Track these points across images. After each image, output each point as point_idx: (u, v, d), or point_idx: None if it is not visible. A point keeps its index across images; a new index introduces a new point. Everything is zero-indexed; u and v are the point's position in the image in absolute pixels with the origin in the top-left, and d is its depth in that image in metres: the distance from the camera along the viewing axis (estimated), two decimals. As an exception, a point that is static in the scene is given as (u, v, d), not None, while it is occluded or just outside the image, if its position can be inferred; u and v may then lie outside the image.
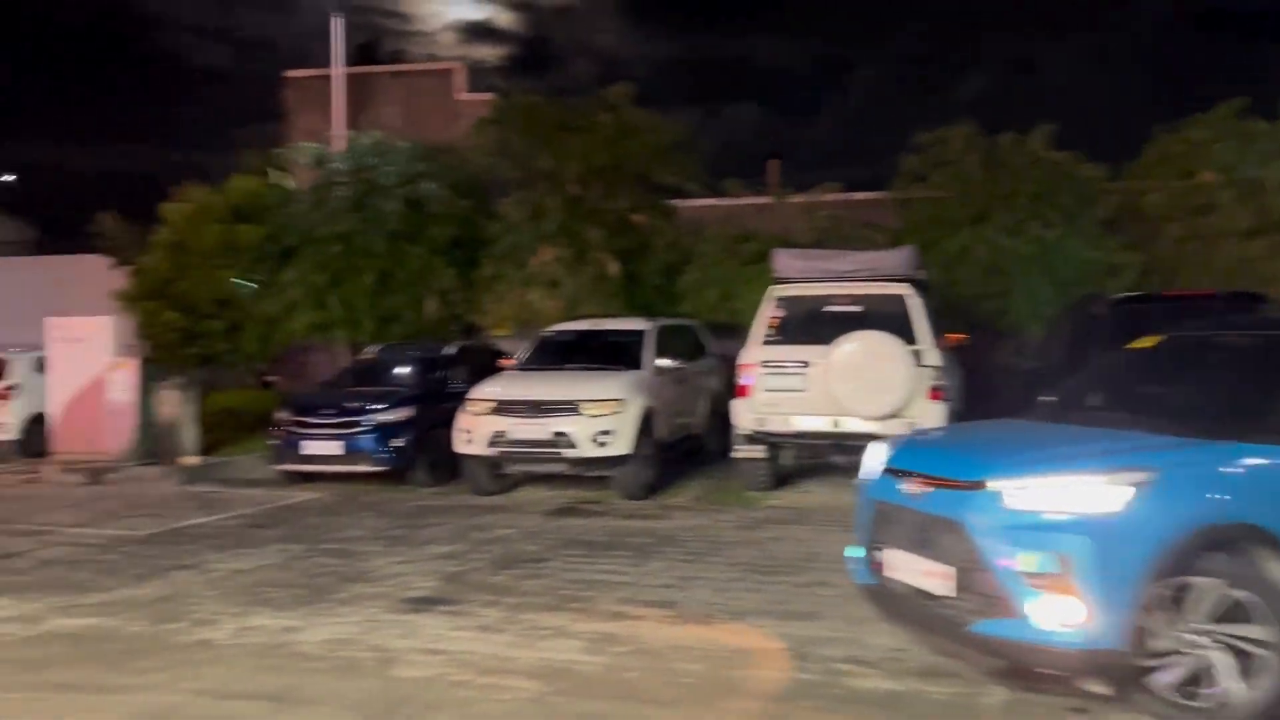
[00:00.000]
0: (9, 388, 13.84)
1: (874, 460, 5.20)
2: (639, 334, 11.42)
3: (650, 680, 4.96)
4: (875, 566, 4.98)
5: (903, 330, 9.44)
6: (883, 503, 4.95)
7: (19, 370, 13.97)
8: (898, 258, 10.46)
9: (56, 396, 13.51)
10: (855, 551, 5.19)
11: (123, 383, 12.84)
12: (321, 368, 15.99)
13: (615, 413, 10.02)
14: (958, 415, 9.48)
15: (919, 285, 10.11)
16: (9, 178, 38.05)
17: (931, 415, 9.19)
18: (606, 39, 72.73)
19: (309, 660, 5.31)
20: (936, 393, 9.34)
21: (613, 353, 11.23)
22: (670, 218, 14.92)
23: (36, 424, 13.68)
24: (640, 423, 10.16)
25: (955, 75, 68.85)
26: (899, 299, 9.74)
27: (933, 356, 9.44)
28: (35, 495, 11.39)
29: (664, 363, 11.16)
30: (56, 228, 29.71)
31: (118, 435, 12.74)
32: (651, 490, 10.39)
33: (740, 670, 5.09)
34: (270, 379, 17.05)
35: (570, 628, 5.79)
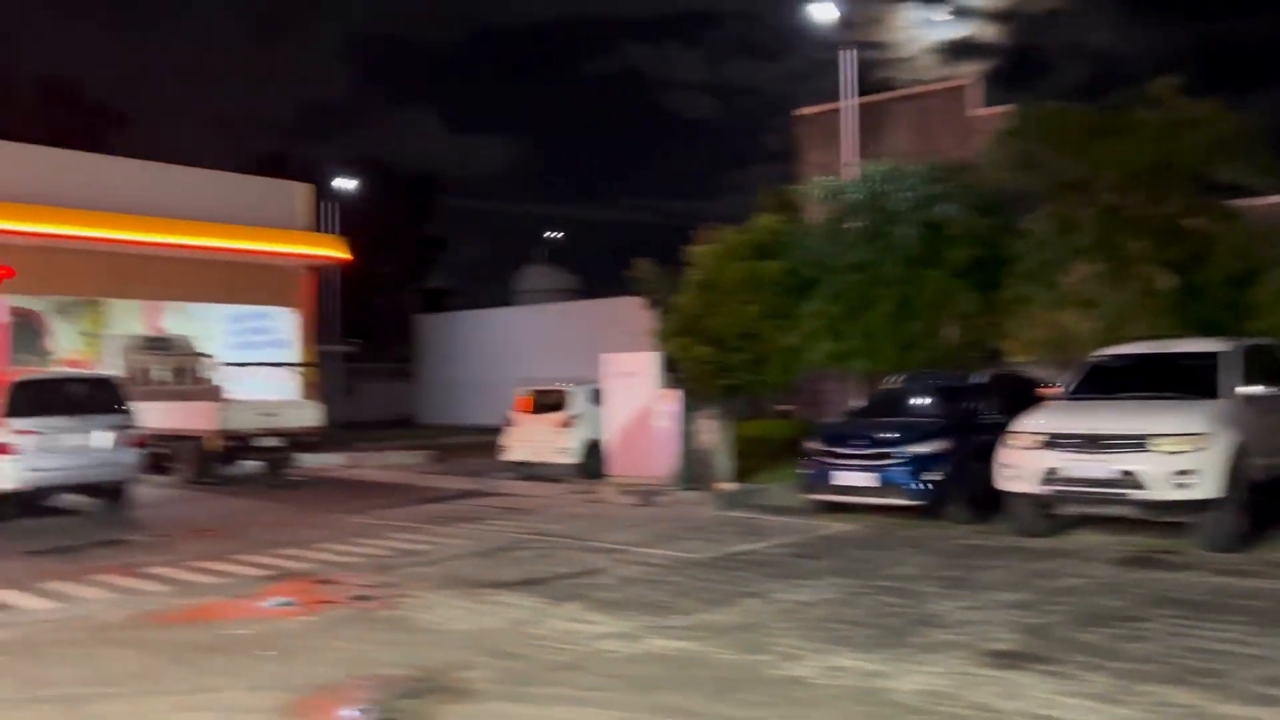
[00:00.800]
0: (571, 417, 15.70)
1: None
2: (1216, 356, 9.85)
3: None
4: None
5: None
6: None
7: (578, 402, 15.80)
8: None
9: (610, 424, 15.04)
10: None
11: (667, 412, 13.96)
12: (834, 397, 16.13)
13: (1198, 449, 8.66)
14: None
15: None
16: (556, 235, 44.64)
17: None
18: (1101, 37, 66.50)
19: (911, 713, 5.03)
20: None
21: (1183, 379, 9.80)
22: (1235, 220, 12.86)
23: (593, 449, 15.34)
24: (1231, 461, 8.68)
25: None
26: None
27: None
28: (598, 514, 12.67)
29: (1252, 390, 9.50)
30: (596, 275, 34.02)
31: (663, 460, 13.84)
32: (1244, 541, 8.84)
33: None
34: (785, 408, 17.58)
35: (1210, 709, 4.90)
